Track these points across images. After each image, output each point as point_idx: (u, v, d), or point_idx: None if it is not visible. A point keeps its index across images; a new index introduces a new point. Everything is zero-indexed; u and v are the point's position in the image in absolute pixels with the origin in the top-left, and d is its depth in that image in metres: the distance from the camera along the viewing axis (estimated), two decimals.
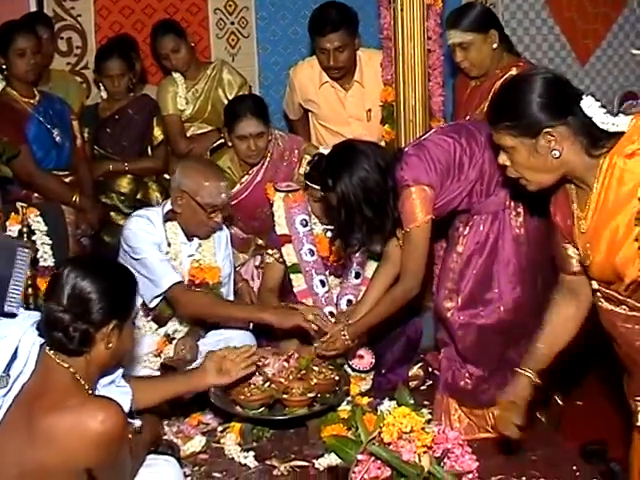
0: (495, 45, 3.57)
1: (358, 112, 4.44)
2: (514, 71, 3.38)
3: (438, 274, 3.39)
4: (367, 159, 3.12)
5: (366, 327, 3.38)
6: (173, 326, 3.55)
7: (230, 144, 4.03)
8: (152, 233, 3.43)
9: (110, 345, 2.18)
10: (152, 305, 3.44)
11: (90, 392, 2.19)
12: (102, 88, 4.67)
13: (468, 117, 3.66)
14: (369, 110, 4.40)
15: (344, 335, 3.33)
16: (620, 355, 2.46)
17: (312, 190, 3.59)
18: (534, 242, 3.10)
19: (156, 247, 3.41)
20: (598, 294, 2.40)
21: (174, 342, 3.50)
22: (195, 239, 3.55)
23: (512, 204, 3.09)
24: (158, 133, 4.67)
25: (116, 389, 2.40)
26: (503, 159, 2.38)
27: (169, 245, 3.48)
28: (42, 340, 2.17)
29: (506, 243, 3.10)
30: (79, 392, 2.13)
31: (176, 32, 4.65)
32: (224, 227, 3.69)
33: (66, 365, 2.14)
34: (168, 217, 3.50)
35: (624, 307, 2.32)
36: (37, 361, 2.15)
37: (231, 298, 3.73)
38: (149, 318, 3.53)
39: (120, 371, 2.43)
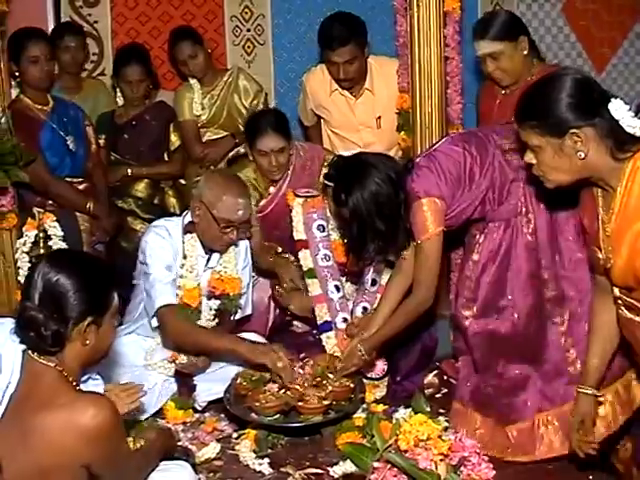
0: (526, 52, 3.52)
1: (368, 119, 4.45)
2: None
3: (455, 282, 3.37)
4: (378, 172, 3.11)
5: (381, 341, 3.34)
6: None
7: (252, 158, 4.02)
8: (165, 248, 3.42)
9: (87, 342, 2.14)
10: (154, 325, 3.40)
11: (78, 388, 2.18)
12: (119, 95, 4.72)
13: None
14: (379, 117, 4.40)
15: (360, 351, 3.31)
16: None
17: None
18: (543, 250, 3.07)
19: (165, 265, 3.39)
20: (619, 302, 2.39)
21: None
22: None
23: (523, 211, 3.07)
24: (175, 139, 4.71)
25: (91, 382, 2.41)
26: (529, 157, 2.38)
27: (185, 257, 3.46)
28: (23, 346, 2.15)
29: (519, 250, 3.07)
30: (68, 390, 2.12)
31: (194, 38, 4.69)
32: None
33: (52, 364, 2.11)
34: (188, 229, 3.49)
35: None
36: (21, 368, 2.14)
37: (249, 307, 3.73)
38: None
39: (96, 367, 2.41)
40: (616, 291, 2.38)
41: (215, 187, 3.40)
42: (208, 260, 3.54)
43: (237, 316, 3.63)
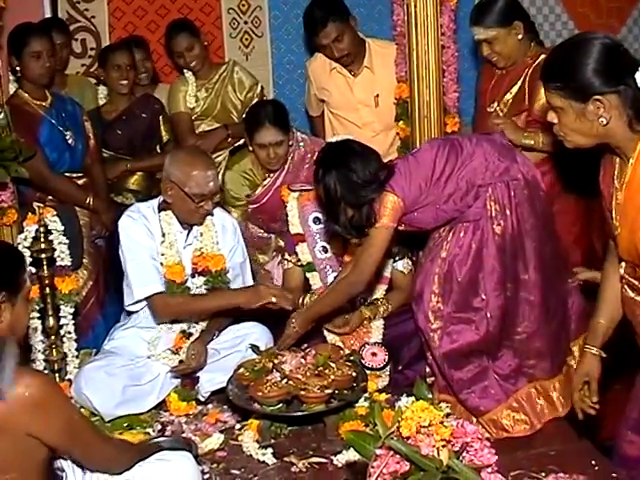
0: (520, 36, 3.56)
1: (366, 97, 4.46)
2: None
3: (420, 282, 3.31)
4: (359, 161, 3.18)
5: (313, 315, 3.50)
6: (188, 321, 3.57)
7: (251, 149, 4.04)
8: (137, 230, 3.48)
9: (2, 319, 2.20)
10: (130, 309, 3.51)
11: None
12: (100, 95, 4.77)
13: (495, 104, 3.75)
14: (377, 95, 4.42)
15: (292, 322, 3.44)
16: None
17: None
18: (509, 252, 3.14)
19: (141, 247, 3.45)
20: (623, 281, 2.40)
21: (190, 340, 3.52)
22: (195, 227, 3.57)
23: (493, 214, 3.14)
24: (166, 130, 4.72)
25: None
26: (552, 117, 2.36)
27: (163, 235, 3.51)
28: None
29: (490, 251, 3.14)
30: None
31: (191, 31, 4.70)
32: (231, 217, 3.76)
33: None
34: (162, 207, 3.54)
35: None
36: None
37: None
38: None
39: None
40: (621, 269, 2.39)
41: (182, 165, 3.44)
42: (187, 237, 3.58)
43: None
